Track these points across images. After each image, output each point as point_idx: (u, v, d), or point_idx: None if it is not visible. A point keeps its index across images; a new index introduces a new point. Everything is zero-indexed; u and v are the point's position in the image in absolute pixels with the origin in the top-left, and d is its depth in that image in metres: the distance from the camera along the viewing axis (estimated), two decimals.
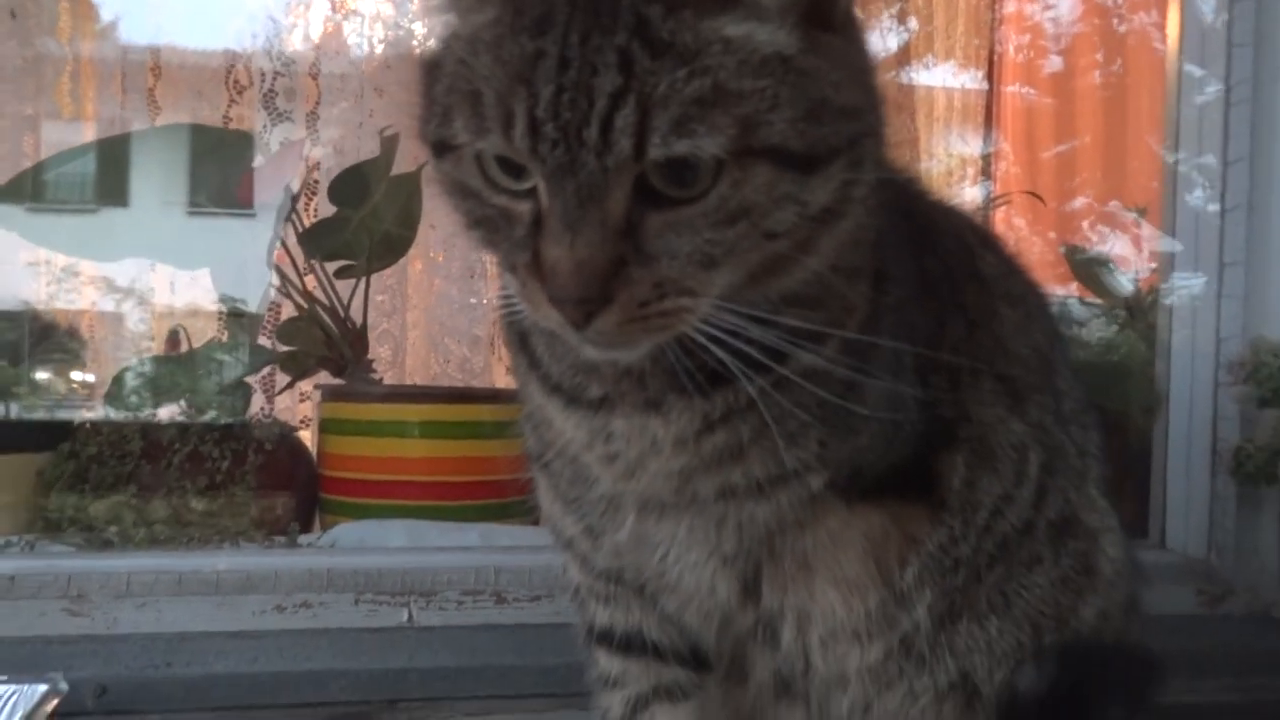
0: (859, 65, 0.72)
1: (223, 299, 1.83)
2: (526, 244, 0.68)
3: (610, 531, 0.84)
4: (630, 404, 0.77)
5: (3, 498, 1.44)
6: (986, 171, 2.99)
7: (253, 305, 1.81)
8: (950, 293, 0.89)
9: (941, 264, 0.89)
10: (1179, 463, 1.53)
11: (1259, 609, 1.48)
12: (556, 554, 0.96)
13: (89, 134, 2.16)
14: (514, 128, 0.65)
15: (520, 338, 0.86)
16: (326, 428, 1.68)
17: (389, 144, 1.64)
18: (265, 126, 2.30)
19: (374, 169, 1.66)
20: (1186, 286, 1.54)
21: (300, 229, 1.77)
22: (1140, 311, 1.69)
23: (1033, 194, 2.30)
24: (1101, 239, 2.66)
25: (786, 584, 0.82)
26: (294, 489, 1.65)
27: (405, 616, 1.30)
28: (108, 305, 2.11)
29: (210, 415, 1.61)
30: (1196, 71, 1.55)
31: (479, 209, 0.71)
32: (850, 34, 0.72)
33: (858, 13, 0.75)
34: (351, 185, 1.67)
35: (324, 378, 1.82)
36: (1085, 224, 2.66)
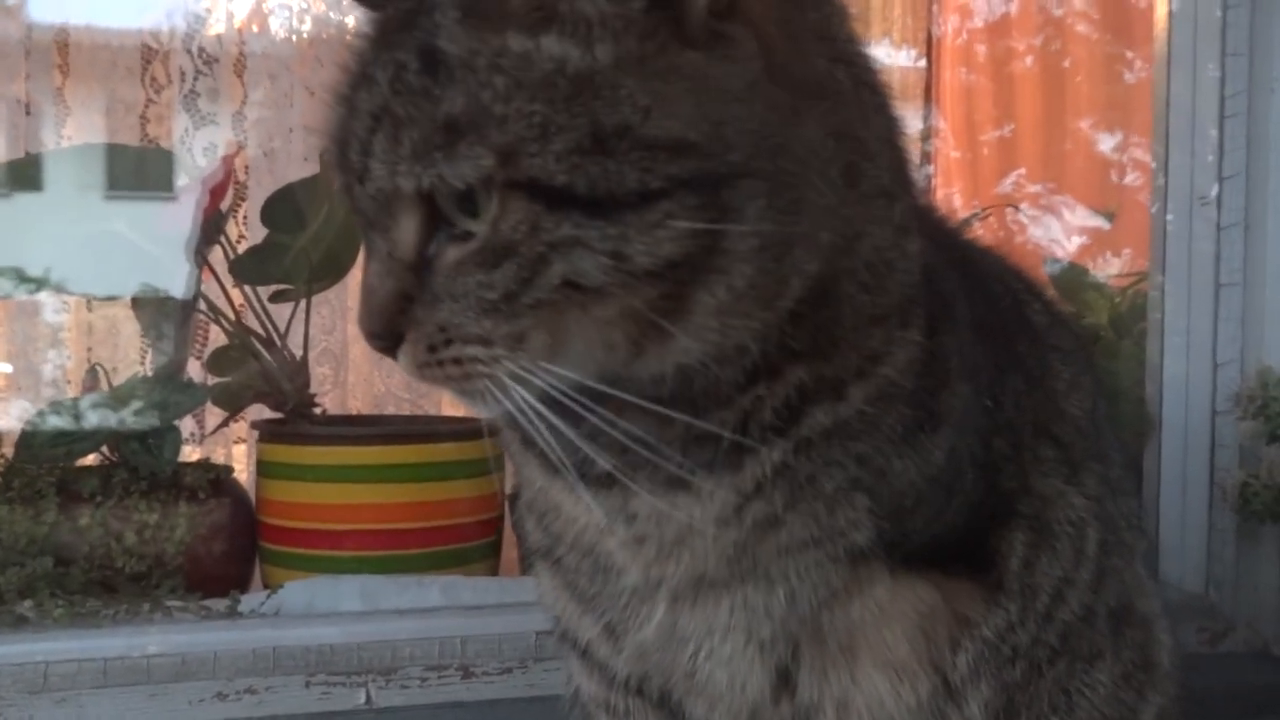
0: (731, 89, 0.58)
1: (142, 293, 1.63)
2: None
3: (634, 629, 0.74)
4: (650, 481, 0.66)
5: None
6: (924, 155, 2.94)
7: (177, 292, 1.63)
8: (1006, 343, 0.78)
9: (992, 309, 0.79)
10: (1174, 493, 1.46)
11: (1259, 645, 1.42)
12: (563, 660, 0.84)
13: None
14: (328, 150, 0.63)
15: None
16: (265, 471, 1.53)
17: (329, 166, 1.48)
18: (188, 130, 2.12)
19: (310, 191, 1.50)
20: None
21: (229, 250, 1.60)
22: (1127, 330, 1.61)
23: (1013, 205, 2.22)
24: (1036, 223, 2.62)
25: (827, 669, 0.73)
26: (232, 543, 1.49)
27: (363, 698, 1.17)
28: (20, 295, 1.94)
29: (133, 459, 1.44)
30: (1189, 81, 1.46)
31: None
32: (724, 51, 0.58)
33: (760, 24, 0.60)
34: (285, 208, 1.51)
35: (260, 410, 1.66)
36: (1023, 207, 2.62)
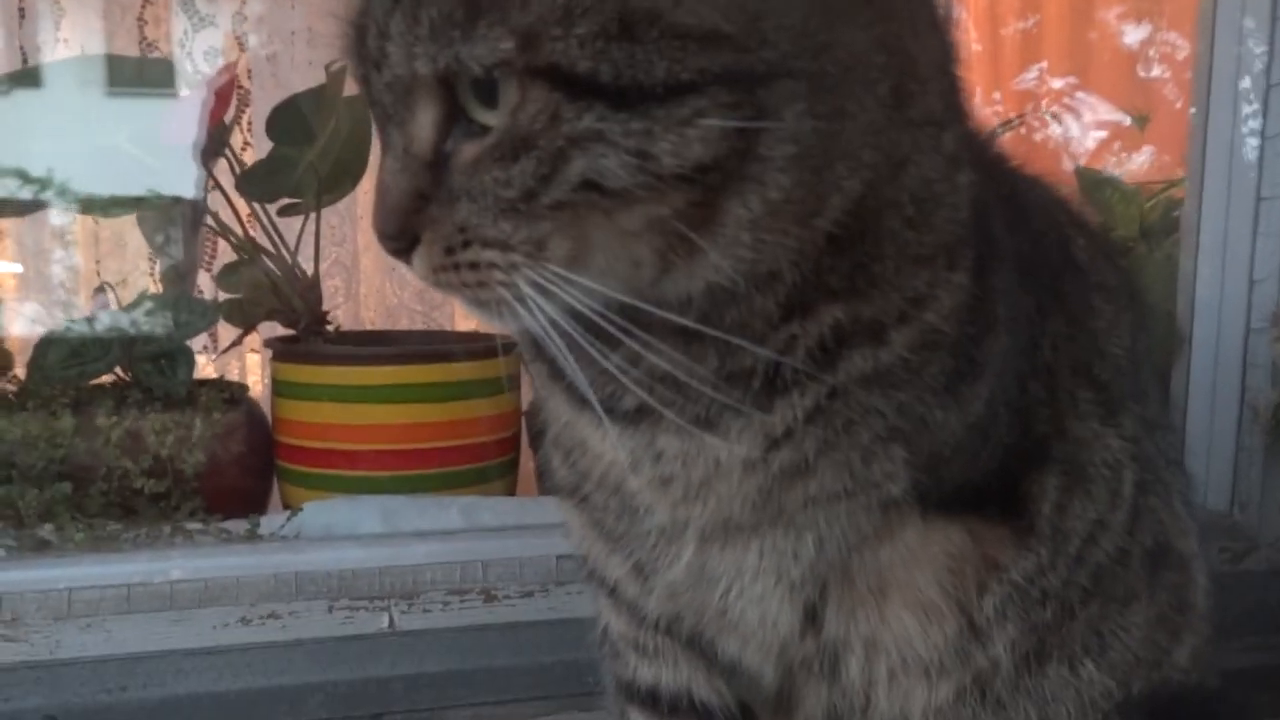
0: None
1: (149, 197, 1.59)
2: None
3: (664, 569, 0.72)
4: (677, 418, 0.64)
5: None
6: None
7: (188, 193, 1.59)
8: (1050, 282, 0.75)
9: (1036, 246, 0.75)
10: (1202, 412, 1.43)
11: None
12: (592, 596, 0.83)
13: None
14: (346, 37, 0.59)
15: (536, 342, 0.71)
16: (281, 391, 1.51)
17: (335, 78, 1.42)
18: (186, 33, 2.04)
19: (317, 103, 1.44)
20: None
21: (235, 163, 1.55)
22: (1157, 241, 1.56)
23: (1044, 112, 2.14)
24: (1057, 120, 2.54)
25: (855, 608, 0.71)
26: (249, 462, 1.49)
27: (386, 622, 1.17)
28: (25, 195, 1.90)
29: (147, 380, 1.42)
30: None
31: None
32: None
33: None
34: (291, 120, 1.45)
35: (272, 326, 1.64)
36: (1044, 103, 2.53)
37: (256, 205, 1.54)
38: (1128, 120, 2.42)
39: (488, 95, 0.54)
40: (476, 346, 1.50)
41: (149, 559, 1.18)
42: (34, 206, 1.45)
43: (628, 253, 0.56)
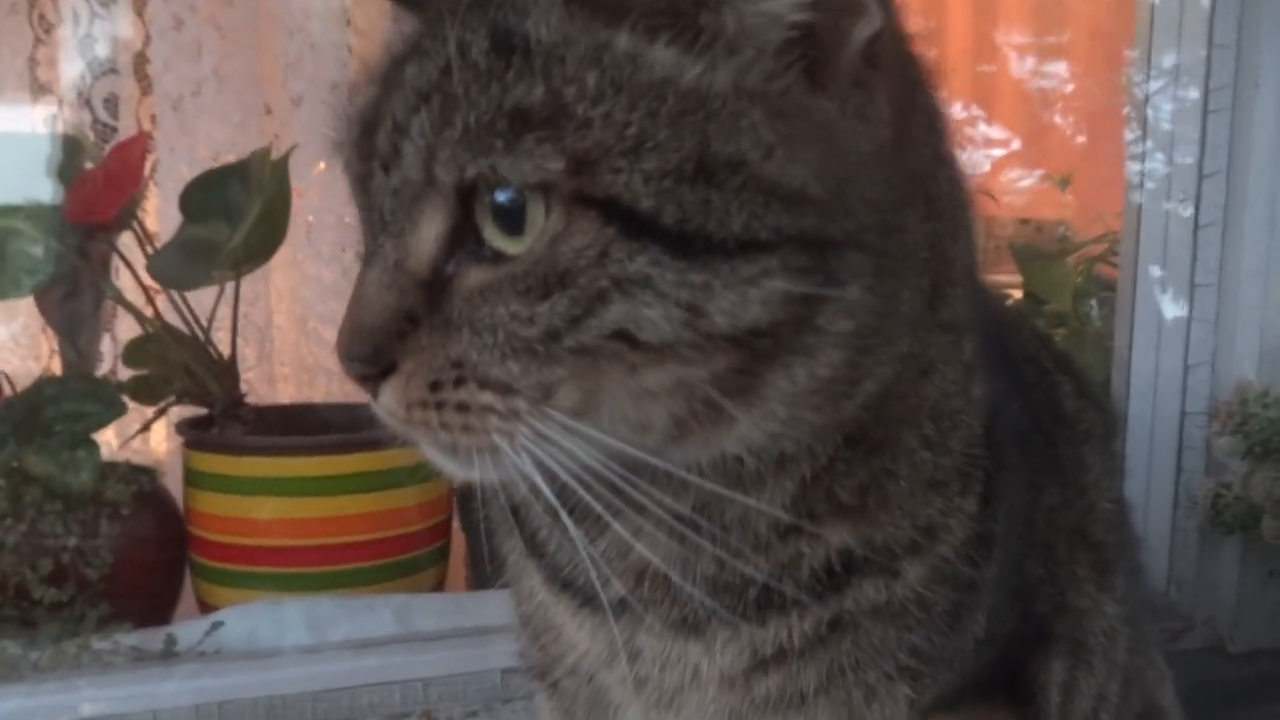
0: (859, 151, 0.50)
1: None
2: None
3: None
4: (660, 619, 0.59)
5: None
6: None
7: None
8: (1044, 449, 0.72)
9: (1029, 408, 0.72)
10: (1138, 493, 1.44)
11: (1216, 642, 1.43)
12: None
13: None
14: (344, 127, 0.54)
15: (514, 511, 0.65)
16: (194, 481, 1.41)
17: (259, 160, 1.33)
18: (84, 77, 1.91)
19: (239, 181, 1.35)
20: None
21: (143, 239, 1.45)
22: (1089, 320, 1.58)
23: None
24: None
25: None
26: (160, 559, 1.39)
27: None
28: None
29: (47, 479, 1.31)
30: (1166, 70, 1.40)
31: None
32: (859, 105, 0.51)
33: (915, 90, 0.55)
34: (209, 197, 1.36)
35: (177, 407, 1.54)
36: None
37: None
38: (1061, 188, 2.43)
39: (509, 218, 0.49)
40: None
41: (56, 690, 1.09)
42: None
43: (640, 413, 0.51)
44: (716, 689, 0.60)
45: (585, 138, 0.47)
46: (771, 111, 0.49)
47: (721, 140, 0.48)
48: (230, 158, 1.78)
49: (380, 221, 0.52)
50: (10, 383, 1.36)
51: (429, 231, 0.51)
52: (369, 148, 0.52)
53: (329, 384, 1.96)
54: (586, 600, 0.61)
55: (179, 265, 1.34)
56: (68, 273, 1.40)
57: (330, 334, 1.97)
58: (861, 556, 0.56)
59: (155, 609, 1.37)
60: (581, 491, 0.52)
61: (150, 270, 1.36)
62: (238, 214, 1.35)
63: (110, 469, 1.36)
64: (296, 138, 1.88)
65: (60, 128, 1.83)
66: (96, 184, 1.34)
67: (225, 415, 1.45)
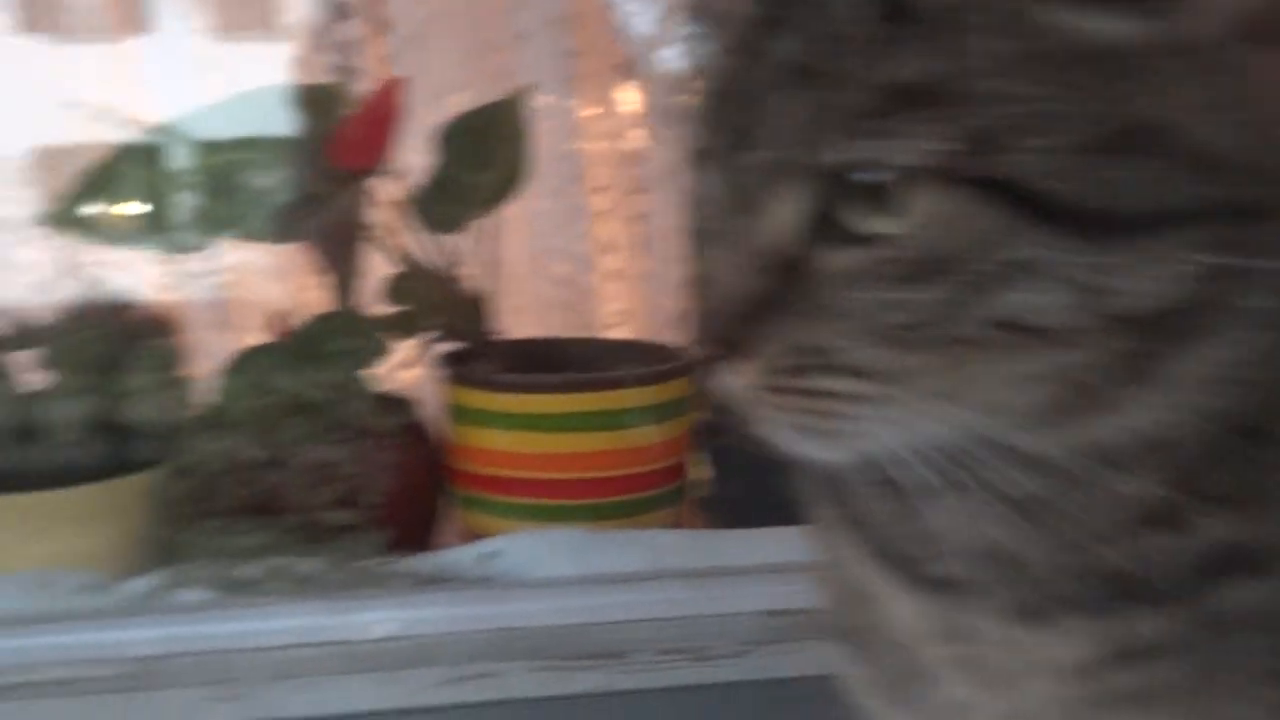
0: None
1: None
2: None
3: None
4: (1000, 603, 0.56)
5: (110, 534, 1.25)
6: None
7: None
8: None
9: None
10: None
11: None
12: None
13: None
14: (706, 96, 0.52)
15: (830, 479, 0.65)
16: (452, 414, 1.47)
17: (517, 99, 1.35)
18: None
19: (496, 120, 1.38)
20: None
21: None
22: None
23: None
24: None
25: None
26: (422, 487, 1.46)
27: (595, 682, 1.14)
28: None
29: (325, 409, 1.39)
30: None
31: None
32: None
33: None
34: (466, 139, 1.39)
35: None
36: None
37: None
38: None
39: (883, 199, 0.46)
40: (648, 372, 1.46)
41: (346, 609, 1.17)
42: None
43: (1013, 398, 0.49)
44: (1057, 678, 0.57)
45: (983, 115, 0.44)
46: (1200, 68, 0.45)
47: (1144, 105, 0.44)
48: (459, 97, 1.83)
49: (734, 199, 0.51)
50: (286, 321, 1.44)
51: (790, 211, 0.49)
52: (722, 123, 0.51)
53: (561, 317, 2.02)
54: (914, 576, 0.59)
55: (438, 207, 1.38)
56: (333, 215, 1.46)
57: (559, 268, 2.02)
58: (1239, 553, 0.52)
59: (416, 535, 1.45)
60: (931, 473, 0.51)
61: (408, 211, 1.41)
62: (491, 155, 1.38)
63: (378, 401, 1.44)
64: (522, 75, 1.91)
65: (298, 71, 1.91)
66: (358, 128, 1.39)
67: (479, 352, 1.50)
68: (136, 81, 1.94)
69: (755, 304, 0.49)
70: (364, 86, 1.81)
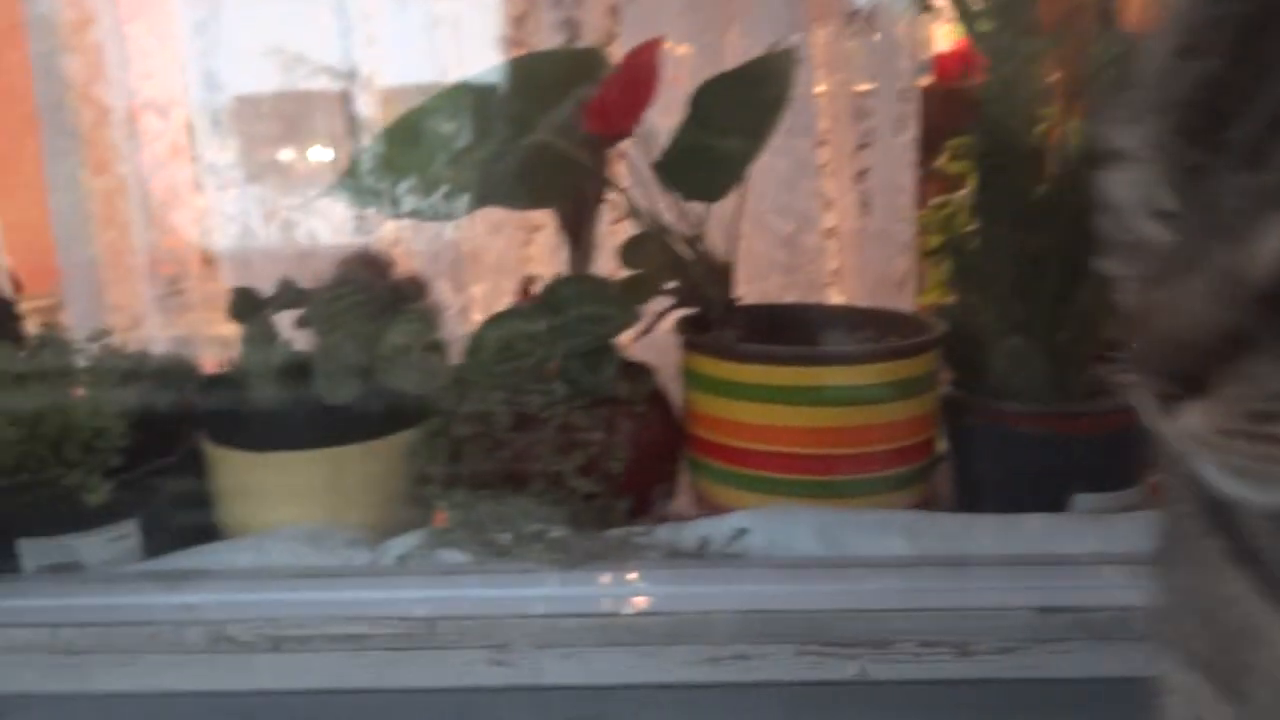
0: None
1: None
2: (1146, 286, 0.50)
3: None
4: None
5: (368, 492, 1.30)
6: None
7: None
8: None
9: None
10: None
11: None
12: None
13: None
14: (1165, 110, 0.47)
15: (1212, 504, 0.60)
16: (691, 381, 1.46)
17: (782, 57, 1.31)
18: None
19: (752, 80, 1.34)
20: None
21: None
22: None
23: None
24: None
25: None
26: (662, 454, 1.46)
27: (856, 670, 1.13)
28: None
29: (576, 377, 1.41)
30: None
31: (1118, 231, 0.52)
32: None
33: None
34: (720, 102, 1.35)
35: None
36: None
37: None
38: None
39: None
40: (903, 345, 1.41)
41: (614, 584, 1.18)
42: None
43: None
44: None
45: None
46: None
47: None
48: (681, 50, 1.79)
49: (1212, 222, 0.46)
50: (533, 284, 1.45)
51: (1273, 243, 0.44)
52: (1210, 134, 0.46)
53: (781, 279, 1.98)
54: None
55: (690, 171, 1.36)
56: (580, 179, 1.46)
57: (783, 226, 1.97)
58: None
59: (655, 505, 1.45)
60: None
61: (659, 176, 1.39)
62: (750, 116, 1.34)
63: (622, 368, 1.44)
64: (746, 22, 1.85)
65: (515, 26, 1.91)
66: (614, 93, 1.37)
67: (720, 318, 1.48)
68: (331, 30, 1.97)
69: (1224, 340, 0.45)
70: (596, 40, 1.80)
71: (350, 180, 1.17)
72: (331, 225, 2.03)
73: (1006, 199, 1.36)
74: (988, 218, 1.37)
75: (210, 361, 2.17)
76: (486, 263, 1.95)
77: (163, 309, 2.13)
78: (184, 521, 1.32)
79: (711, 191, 1.38)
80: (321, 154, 2.05)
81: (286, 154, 2.04)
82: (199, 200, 2.05)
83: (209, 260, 2.11)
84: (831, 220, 2.05)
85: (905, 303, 1.97)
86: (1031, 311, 1.40)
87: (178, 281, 2.16)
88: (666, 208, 1.47)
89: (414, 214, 1.23)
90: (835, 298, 2.07)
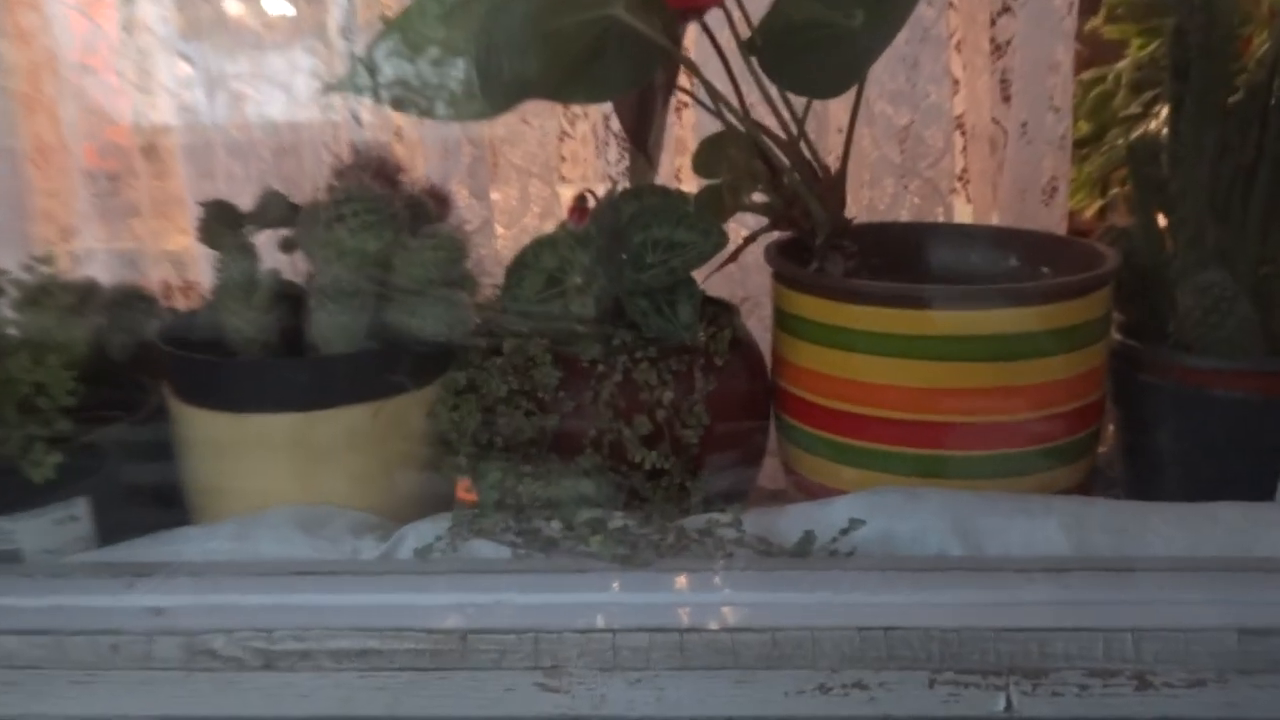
0: None
1: None
2: None
3: None
4: None
5: (384, 467, 1.29)
6: None
7: None
8: None
9: None
10: None
11: None
12: None
13: None
14: None
15: None
16: (784, 324, 1.44)
17: None
18: None
19: None
20: None
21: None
22: None
23: None
24: None
25: None
26: (748, 415, 1.45)
27: (1002, 704, 1.12)
28: None
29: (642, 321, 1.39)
30: None
31: None
32: None
33: None
34: None
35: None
36: None
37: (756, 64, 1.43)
38: None
39: None
40: (1069, 282, 1.37)
41: (693, 589, 1.17)
42: None
43: None
44: None
45: None
46: None
47: None
48: None
49: None
50: (586, 204, 1.41)
51: None
52: None
53: (894, 184, 1.94)
54: None
55: (796, 56, 1.31)
56: (646, 63, 1.42)
57: (897, 116, 1.93)
58: None
59: (742, 482, 1.44)
60: None
61: (750, 57, 1.34)
62: None
63: (701, 307, 1.42)
64: None
65: None
66: None
67: (826, 244, 1.45)
68: None
69: None
70: None
71: (362, 69, 1.13)
72: (295, 101, 2.01)
73: (1210, 88, 1.31)
74: (1188, 115, 1.32)
75: (162, 285, 2.17)
76: (513, 162, 1.93)
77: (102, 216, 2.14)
78: (146, 500, 1.32)
79: (823, 84, 1.34)
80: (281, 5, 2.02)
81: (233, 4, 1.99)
82: (126, 68, 2.03)
83: (150, 152, 2.11)
84: (960, 107, 2.02)
85: (1056, 218, 1.94)
86: (1235, 238, 1.36)
87: (118, 180, 2.16)
88: (756, 102, 1.44)
89: (452, 112, 1.19)
90: (962, 210, 2.04)
